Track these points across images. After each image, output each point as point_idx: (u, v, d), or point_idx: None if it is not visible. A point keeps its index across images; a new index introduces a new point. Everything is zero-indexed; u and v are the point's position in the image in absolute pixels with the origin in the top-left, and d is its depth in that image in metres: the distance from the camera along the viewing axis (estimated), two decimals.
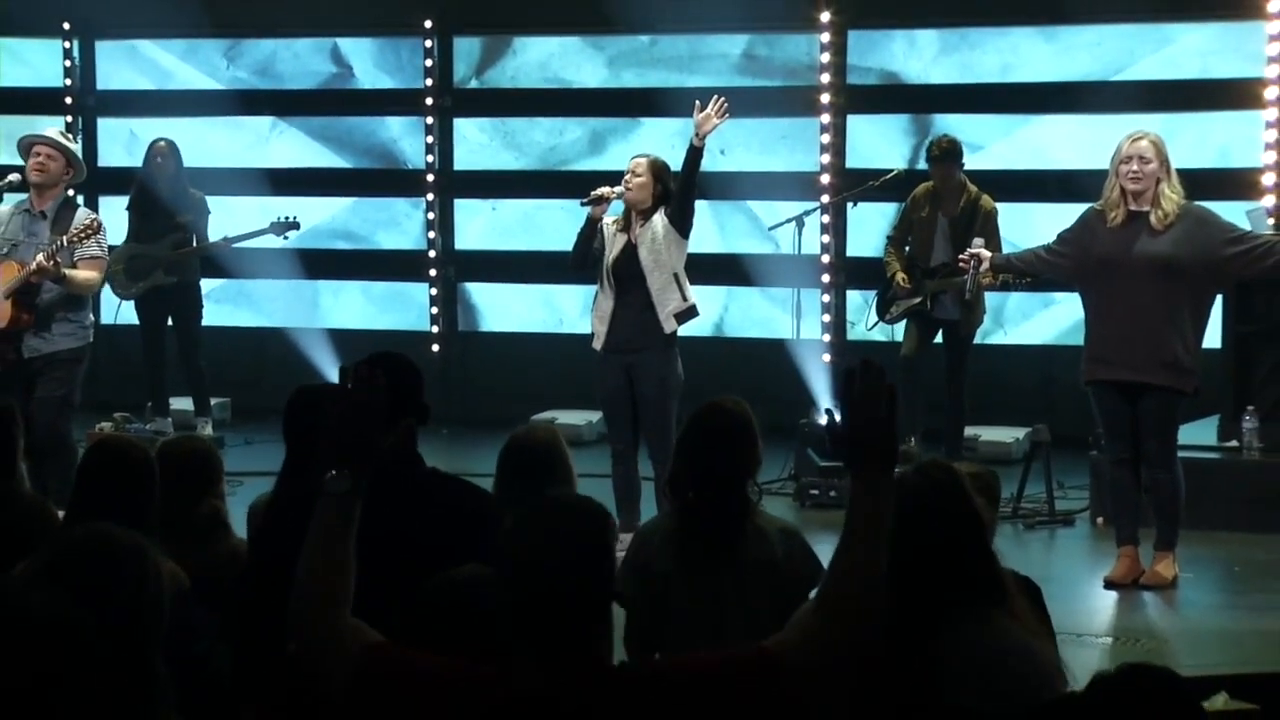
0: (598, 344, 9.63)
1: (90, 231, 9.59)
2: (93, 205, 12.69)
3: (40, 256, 9.47)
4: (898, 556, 4.28)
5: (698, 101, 9.62)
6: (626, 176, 9.55)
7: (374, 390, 3.65)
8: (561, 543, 3.43)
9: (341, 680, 3.47)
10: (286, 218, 12.74)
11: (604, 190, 9.61)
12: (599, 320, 9.64)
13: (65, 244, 9.53)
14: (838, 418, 3.63)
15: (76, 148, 10.18)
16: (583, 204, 9.66)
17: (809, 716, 3.48)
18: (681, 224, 9.45)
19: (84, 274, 9.65)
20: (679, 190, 9.45)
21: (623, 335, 9.53)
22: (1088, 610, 8.49)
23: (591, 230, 9.60)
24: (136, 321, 12.89)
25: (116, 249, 12.50)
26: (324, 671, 3.52)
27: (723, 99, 9.61)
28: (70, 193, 10.21)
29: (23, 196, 9.99)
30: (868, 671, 4.12)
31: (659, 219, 9.44)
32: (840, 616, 3.46)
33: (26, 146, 9.89)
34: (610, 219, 9.63)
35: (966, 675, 4.23)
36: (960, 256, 9.79)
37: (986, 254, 9.54)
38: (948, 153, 11.49)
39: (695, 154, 9.45)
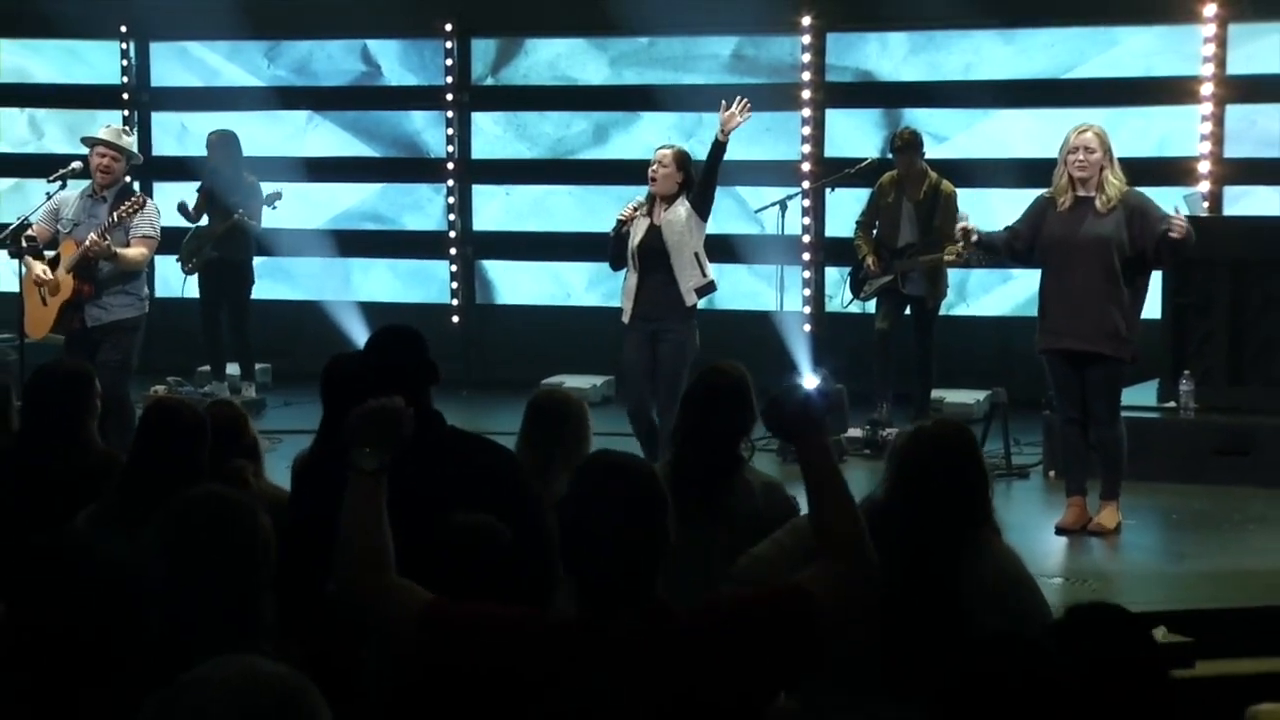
0: (625, 318, 9.66)
1: (135, 208, 9.70)
2: (147, 192, 12.67)
3: (93, 234, 9.57)
4: (920, 497, 4.35)
5: (724, 101, 9.63)
6: (654, 167, 9.57)
7: (391, 403, 3.68)
8: (621, 503, 3.41)
9: (408, 637, 3.46)
10: (275, 192, 12.74)
11: (626, 213, 9.60)
12: (626, 297, 9.67)
13: (116, 220, 9.63)
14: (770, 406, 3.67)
15: (131, 140, 10.24)
16: (613, 234, 9.66)
17: (830, 645, 3.50)
18: (703, 208, 9.52)
19: (134, 251, 9.73)
20: (703, 179, 9.49)
21: (647, 308, 9.55)
22: (1041, 553, 8.50)
23: (621, 237, 9.61)
24: (197, 294, 12.93)
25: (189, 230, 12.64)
26: (391, 630, 3.51)
27: (745, 99, 9.65)
28: (128, 179, 10.23)
29: (88, 182, 10.05)
30: (889, 604, 4.15)
31: (682, 204, 9.47)
32: (843, 554, 3.48)
33: (90, 145, 10.03)
34: (632, 205, 9.65)
35: (987, 597, 4.24)
36: (961, 227, 9.58)
37: (974, 226, 9.42)
38: (909, 144, 11.50)
39: (719, 148, 9.53)
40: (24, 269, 10.03)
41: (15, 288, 11.00)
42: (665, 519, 3.45)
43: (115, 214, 9.65)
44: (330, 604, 4.26)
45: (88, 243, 9.56)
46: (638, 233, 9.55)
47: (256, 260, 13.33)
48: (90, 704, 3.36)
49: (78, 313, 9.74)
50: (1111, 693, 3.51)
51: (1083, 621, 3.69)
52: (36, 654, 3.45)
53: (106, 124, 10.46)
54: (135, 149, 10.32)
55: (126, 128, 10.62)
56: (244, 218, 12.37)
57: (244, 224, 12.40)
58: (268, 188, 12.75)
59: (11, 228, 11.12)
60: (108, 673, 3.38)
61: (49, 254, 9.91)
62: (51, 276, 9.75)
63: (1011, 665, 3.30)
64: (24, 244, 11.07)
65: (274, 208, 12.82)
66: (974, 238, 9.44)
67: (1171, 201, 9.41)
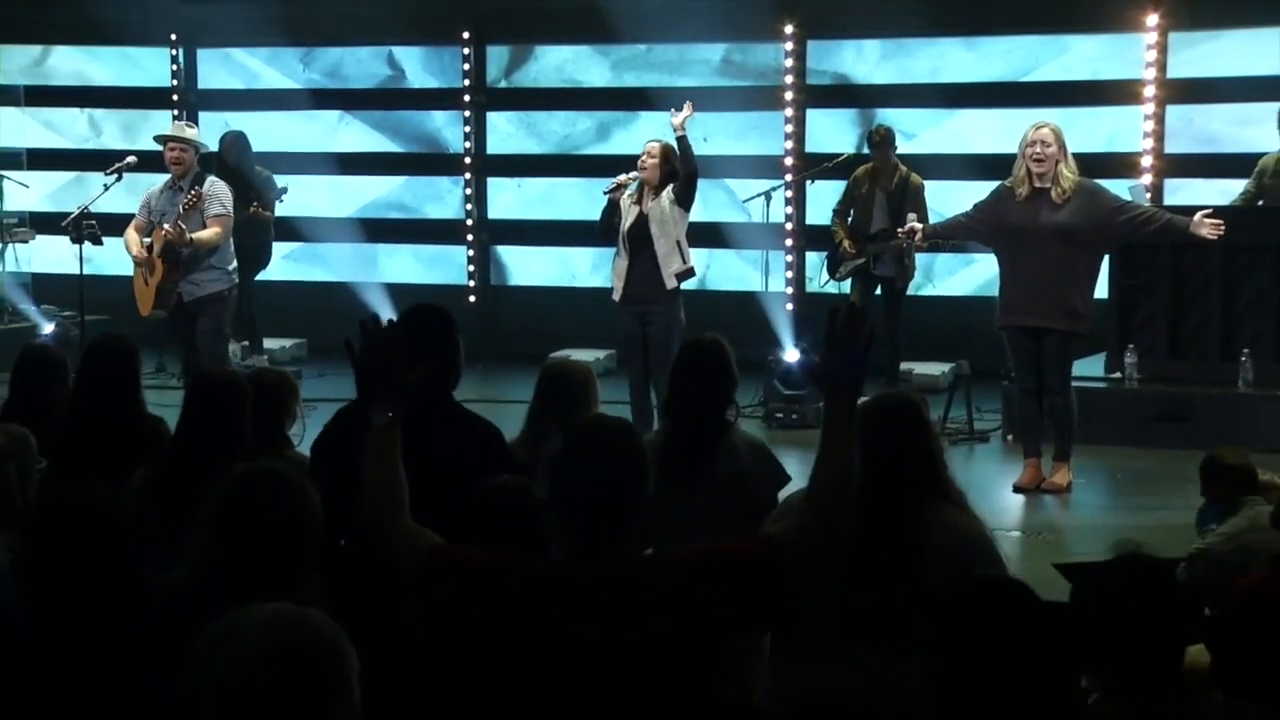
0: (616, 296, 9.62)
1: (195, 200, 9.70)
2: None
3: (167, 226, 9.60)
4: (871, 464, 4.32)
5: (673, 109, 9.60)
6: (642, 157, 9.54)
7: (387, 339, 3.59)
8: (607, 457, 3.39)
9: (414, 576, 3.42)
10: (282, 187, 12.71)
11: (621, 178, 9.61)
12: (617, 277, 9.64)
13: (183, 211, 9.65)
14: (814, 356, 3.60)
15: (195, 132, 10.26)
16: (605, 193, 9.65)
17: (797, 592, 3.46)
18: (685, 199, 9.47)
19: (208, 233, 9.78)
20: (684, 172, 9.43)
21: (636, 289, 9.51)
22: (1000, 510, 8.51)
23: (613, 209, 9.59)
24: None
25: None
26: (399, 570, 3.47)
27: (689, 100, 9.62)
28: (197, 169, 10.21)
29: (166, 176, 10.06)
30: (850, 558, 4.12)
31: (666, 195, 9.44)
32: (824, 512, 3.41)
33: (162, 142, 10.09)
34: (627, 194, 9.62)
35: (937, 558, 4.23)
36: (899, 230, 9.77)
37: (919, 226, 9.52)
38: (884, 140, 11.49)
39: (681, 142, 9.45)
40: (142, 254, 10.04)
41: (76, 270, 11.03)
42: (645, 474, 3.42)
43: (182, 207, 9.68)
44: (345, 557, 4.23)
45: (164, 232, 9.60)
46: (628, 219, 9.52)
47: (294, 246, 13.28)
48: (99, 653, 3.31)
49: (174, 290, 9.79)
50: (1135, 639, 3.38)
51: (1118, 570, 3.56)
52: (51, 598, 3.41)
53: (175, 121, 10.44)
54: (199, 138, 10.32)
55: (189, 122, 10.55)
56: (259, 210, 12.32)
57: (259, 215, 12.35)
58: (343, 188, 12.72)
59: (72, 216, 11.13)
60: (118, 624, 3.34)
61: (146, 240, 9.92)
62: (150, 256, 9.80)
63: (1001, 611, 3.21)
64: (84, 231, 11.08)
65: (281, 200, 12.80)
66: (917, 237, 9.45)
67: (1116, 192, 9.40)
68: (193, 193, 9.77)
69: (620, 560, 3.35)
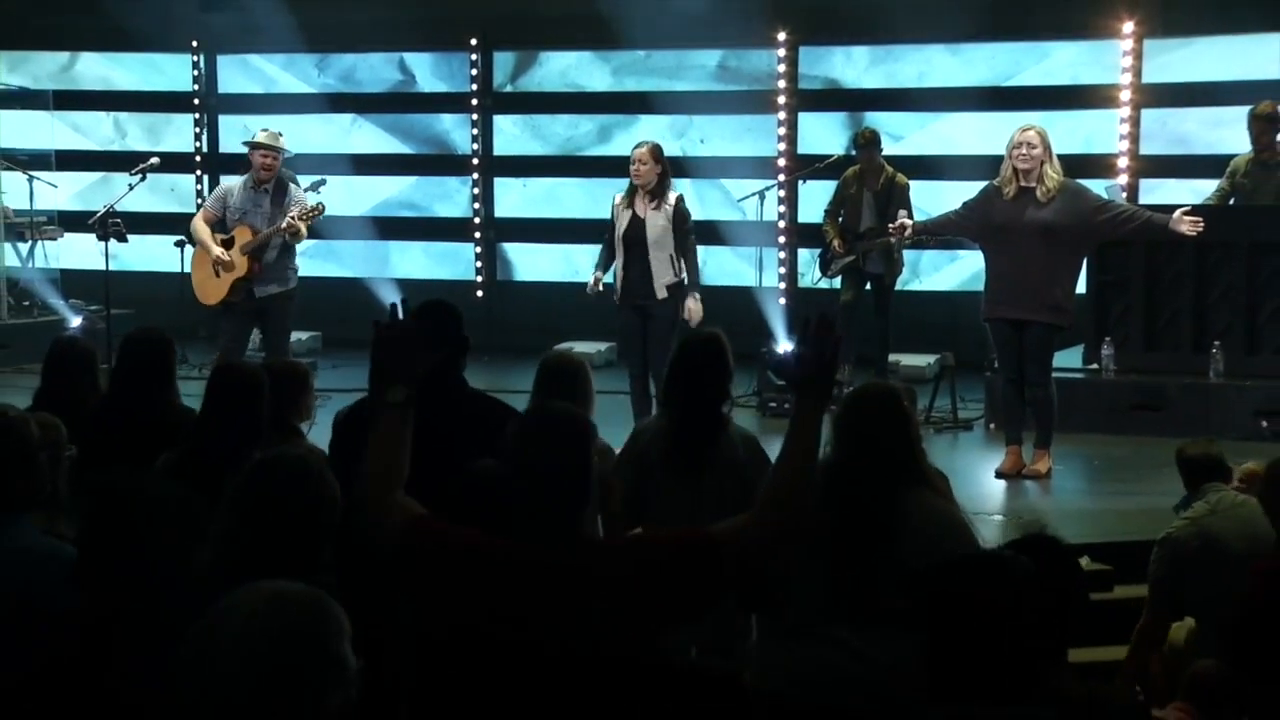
0: (616, 297, 9.64)
1: (316, 214, 9.95)
2: (216, 183, 12.64)
3: (289, 218, 9.72)
4: (852, 450, 4.33)
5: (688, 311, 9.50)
6: (634, 165, 9.50)
7: (405, 326, 3.61)
8: (550, 446, 3.41)
9: (391, 543, 3.44)
10: (319, 179, 12.72)
11: (597, 274, 9.61)
12: (616, 277, 9.65)
13: (297, 219, 9.78)
14: (791, 358, 3.60)
15: (284, 140, 10.23)
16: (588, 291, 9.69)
17: (737, 588, 3.48)
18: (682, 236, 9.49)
19: (303, 226, 9.91)
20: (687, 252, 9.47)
21: (634, 287, 9.51)
22: (982, 495, 8.52)
23: (609, 230, 9.58)
24: None
25: None
26: (381, 537, 3.48)
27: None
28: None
29: (247, 175, 10.07)
30: (833, 541, 4.13)
31: (664, 214, 9.39)
32: (773, 515, 3.40)
33: (252, 148, 10.08)
34: (618, 196, 9.60)
35: (916, 540, 4.25)
36: (890, 226, 9.75)
37: (909, 222, 9.51)
38: (870, 141, 11.46)
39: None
40: (195, 247, 10.11)
41: (102, 266, 11.03)
42: (590, 463, 3.44)
43: (298, 216, 9.76)
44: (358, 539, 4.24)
45: (281, 226, 9.72)
46: (621, 224, 9.51)
47: (310, 243, 13.15)
48: (127, 630, 3.32)
49: (247, 285, 9.89)
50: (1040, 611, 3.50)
51: (1021, 550, 3.69)
52: (104, 582, 3.41)
53: (263, 128, 10.37)
54: (284, 145, 10.30)
55: (279, 131, 10.51)
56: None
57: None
58: (357, 188, 12.64)
59: (98, 214, 11.14)
60: (151, 602, 3.34)
61: (221, 236, 9.98)
62: (229, 257, 9.87)
63: (995, 582, 3.24)
64: (109, 228, 11.07)
65: (319, 193, 12.80)
66: (907, 232, 9.46)
67: (1098, 192, 9.42)
68: (317, 206, 9.97)
69: (570, 543, 3.37)
